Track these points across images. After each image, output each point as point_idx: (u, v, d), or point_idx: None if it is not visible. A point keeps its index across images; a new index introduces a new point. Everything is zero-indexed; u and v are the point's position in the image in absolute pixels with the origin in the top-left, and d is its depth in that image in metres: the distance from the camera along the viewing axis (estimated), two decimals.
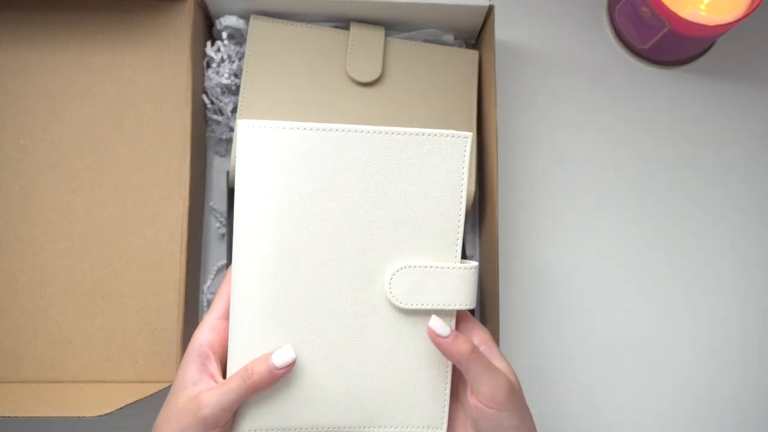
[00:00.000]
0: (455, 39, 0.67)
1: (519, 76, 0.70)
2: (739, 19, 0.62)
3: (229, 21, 0.63)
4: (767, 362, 0.67)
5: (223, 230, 0.64)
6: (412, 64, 0.63)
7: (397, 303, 0.46)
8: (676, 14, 0.61)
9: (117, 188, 0.60)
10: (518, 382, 0.47)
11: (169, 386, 0.57)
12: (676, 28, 0.63)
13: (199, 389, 0.45)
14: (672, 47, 0.68)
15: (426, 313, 0.47)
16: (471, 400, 0.46)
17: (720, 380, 0.67)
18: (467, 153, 0.47)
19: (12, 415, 0.49)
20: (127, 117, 0.61)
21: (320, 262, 0.46)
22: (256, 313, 0.46)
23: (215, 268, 0.64)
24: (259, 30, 0.62)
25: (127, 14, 0.62)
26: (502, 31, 0.69)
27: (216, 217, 0.65)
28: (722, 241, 0.69)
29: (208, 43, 0.64)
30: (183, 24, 0.62)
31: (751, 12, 0.62)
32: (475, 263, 0.48)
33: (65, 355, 0.58)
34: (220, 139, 0.66)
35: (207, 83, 0.63)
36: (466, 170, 0.47)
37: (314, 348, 0.46)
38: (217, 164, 0.66)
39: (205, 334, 0.47)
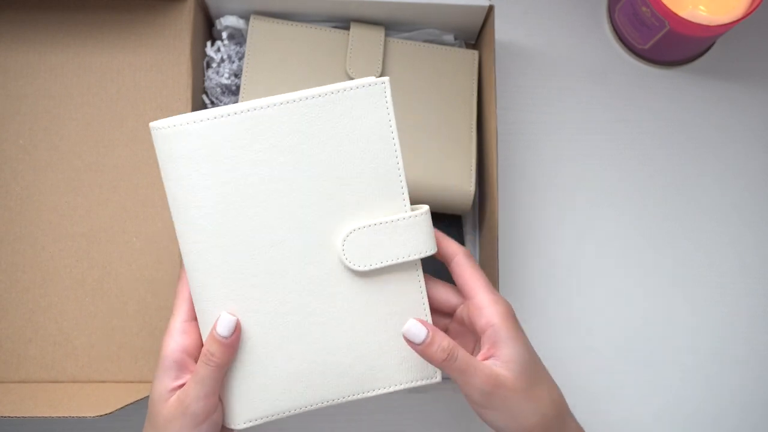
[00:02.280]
0: (455, 39, 0.67)
1: (519, 76, 0.70)
2: (739, 19, 0.62)
3: (229, 21, 0.63)
4: (767, 362, 0.67)
5: None
6: (412, 64, 0.63)
7: (354, 267, 0.45)
8: (676, 14, 0.61)
9: (117, 188, 0.60)
10: (510, 324, 0.45)
11: None
12: (676, 28, 0.63)
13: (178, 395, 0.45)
14: (672, 47, 0.68)
15: (388, 270, 0.46)
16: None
17: (720, 380, 0.67)
18: (388, 98, 0.45)
19: (12, 415, 0.49)
20: (127, 117, 0.61)
21: (271, 245, 0.45)
22: (221, 310, 0.45)
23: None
24: (259, 30, 0.62)
25: (127, 14, 0.62)
26: (502, 31, 0.69)
27: None
28: (722, 241, 0.69)
29: (208, 43, 0.64)
30: (183, 24, 0.62)
31: (751, 12, 0.62)
32: (425, 207, 0.46)
33: (65, 355, 0.58)
34: None
35: (207, 83, 0.63)
36: (392, 116, 0.45)
37: (288, 330, 0.45)
38: None
39: (176, 340, 0.46)
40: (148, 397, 0.53)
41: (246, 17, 0.63)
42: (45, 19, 0.62)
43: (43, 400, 0.54)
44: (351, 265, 0.45)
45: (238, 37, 0.65)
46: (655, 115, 0.70)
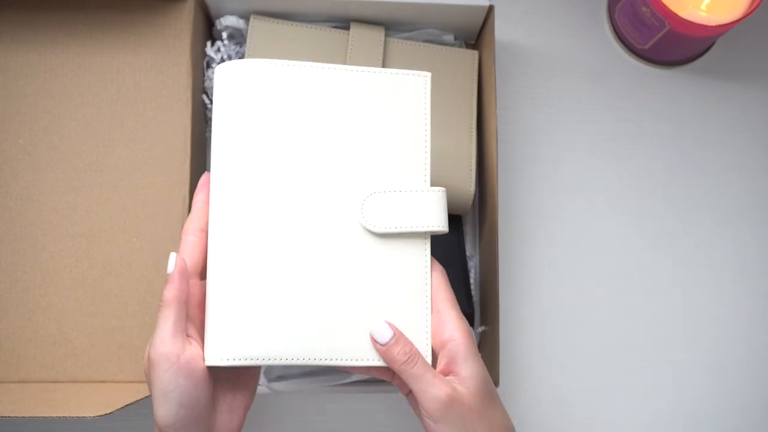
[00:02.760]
0: (455, 39, 0.67)
1: (519, 76, 0.70)
2: (739, 19, 0.62)
3: (229, 21, 0.63)
4: (767, 362, 0.67)
5: None
6: (412, 64, 0.63)
7: (370, 227, 0.47)
8: (675, 14, 0.61)
9: (117, 188, 0.60)
10: (468, 351, 0.46)
11: None
12: (676, 28, 0.63)
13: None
14: (672, 47, 0.68)
15: (400, 237, 0.48)
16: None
17: (720, 380, 0.67)
18: (428, 89, 0.50)
19: (12, 415, 0.49)
20: (127, 117, 0.61)
21: (299, 194, 0.47)
22: (240, 263, 0.46)
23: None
24: (259, 30, 0.62)
25: (127, 14, 0.62)
26: (502, 31, 0.69)
27: None
28: (722, 241, 0.69)
29: (208, 43, 0.64)
30: (183, 24, 0.62)
31: (751, 12, 0.62)
32: (443, 188, 0.49)
33: (65, 355, 0.58)
34: None
35: (207, 83, 0.63)
36: (428, 105, 0.50)
37: (297, 279, 0.46)
38: None
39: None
40: (147, 397, 0.53)
41: (246, 17, 0.63)
42: (45, 19, 0.62)
43: (43, 400, 0.54)
44: (366, 224, 0.47)
45: (238, 37, 0.65)
46: (655, 115, 0.70)
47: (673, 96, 0.71)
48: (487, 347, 0.60)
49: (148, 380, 0.44)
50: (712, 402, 0.66)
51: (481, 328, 0.62)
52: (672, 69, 0.71)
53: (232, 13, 0.63)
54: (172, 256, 0.46)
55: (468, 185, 0.61)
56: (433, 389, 0.44)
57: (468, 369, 0.45)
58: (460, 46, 0.67)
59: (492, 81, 0.61)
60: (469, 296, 0.63)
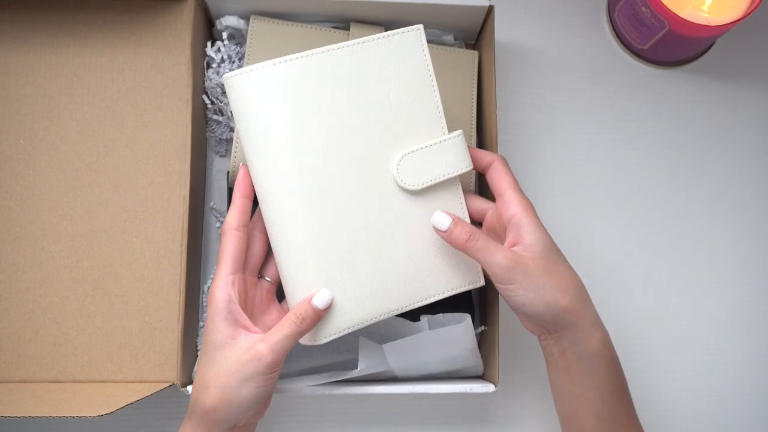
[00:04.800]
0: (455, 39, 0.67)
1: (519, 76, 0.70)
2: (739, 19, 0.62)
3: (229, 21, 0.63)
4: (766, 362, 0.67)
5: None
6: None
7: (408, 187, 0.52)
8: (675, 14, 0.61)
9: (117, 188, 0.60)
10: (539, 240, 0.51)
11: (170, 386, 0.57)
12: (676, 28, 0.63)
13: (248, 342, 0.49)
14: (672, 47, 0.68)
15: (435, 188, 0.53)
16: None
17: (720, 380, 0.67)
18: (423, 42, 0.54)
19: (12, 415, 0.49)
20: (127, 117, 0.61)
21: (340, 174, 0.51)
22: (299, 244, 0.50)
23: (215, 268, 0.64)
24: (259, 30, 0.62)
25: (127, 14, 0.62)
26: (502, 31, 0.69)
27: (216, 217, 0.65)
28: (723, 241, 0.69)
29: (209, 44, 0.64)
30: (183, 24, 0.62)
31: (751, 12, 0.62)
32: (460, 130, 0.54)
33: (65, 355, 0.58)
34: (221, 139, 0.66)
35: (207, 83, 0.63)
36: (428, 57, 0.54)
37: (355, 252, 0.51)
38: (217, 164, 0.66)
39: (226, 290, 0.50)
40: (147, 397, 0.54)
41: (246, 17, 0.63)
42: (45, 19, 0.62)
43: (43, 400, 0.54)
44: (405, 185, 0.52)
45: (238, 38, 0.65)
46: (655, 115, 0.70)
47: (673, 96, 0.71)
48: (487, 347, 0.60)
49: (242, 364, 0.48)
50: (712, 401, 0.66)
51: (481, 328, 0.62)
52: (672, 69, 0.71)
53: (232, 14, 0.64)
54: (327, 294, 0.51)
55: (468, 185, 0.61)
56: (496, 257, 0.49)
57: (530, 236, 0.51)
58: (460, 46, 0.67)
59: (492, 81, 0.61)
60: (469, 296, 0.63)
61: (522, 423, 0.65)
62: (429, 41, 0.65)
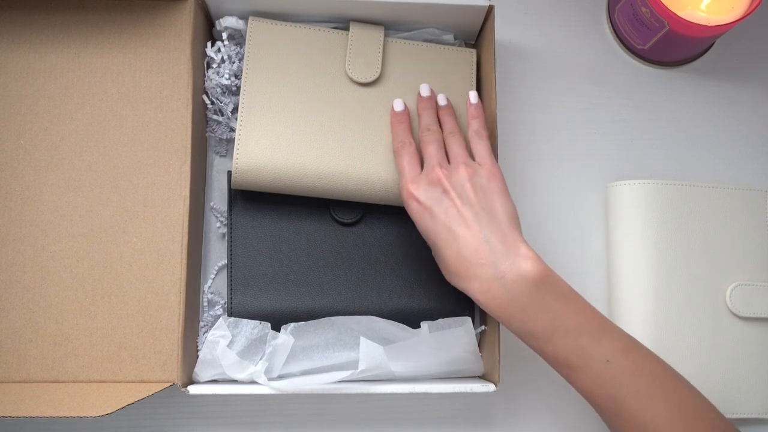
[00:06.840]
0: (455, 39, 0.67)
1: (519, 75, 0.70)
2: (739, 19, 0.62)
3: (229, 22, 0.63)
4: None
5: (224, 230, 0.64)
6: (412, 64, 0.63)
7: (737, 312, 0.63)
8: (675, 14, 0.61)
9: (117, 188, 0.60)
10: None
11: (170, 386, 0.57)
12: (676, 28, 0.63)
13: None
14: (672, 47, 0.68)
15: (758, 320, 0.64)
16: None
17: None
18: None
19: (12, 415, 0.49)
20: (127, 117, 0.61)
21: (684, 285, 0.64)
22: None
23: (215, 268, 0.64)
24: (258, 31, 0.62)
25: (127, 14, 0.62)
26: (502, 31, 0.69)
27: (216, 217, 0.65)
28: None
29: (209, 44, 0.64)
30: (183, 24, 0.62)
31: (750, 12, 0.62)
32: None
33: (65, 355, 0.58)
34: (221, 139, 0.66)
35: (207, 83, 0.63)
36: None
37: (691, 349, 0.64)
38: (217, 164, 0.66)
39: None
40: (147, 397, 0.53)
41: (246, 18, 0.63)
42: (45, 19, 0.62)
43: (44, 400, 0.54)
44: (734, 310, 0.64)
45: (238, 38, 0.65)
46: (655, 115, 0.70)
47: (673, 96, 0.71)
48: (487, 347, 0.60)
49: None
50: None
51: (481, 328, 0.62)
52: (672, 69, 0.71)
53: (231, 14, 0.64)
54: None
55: None
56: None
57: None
58: (459, 46, 0.67)
59: (492, 81, 0.61)
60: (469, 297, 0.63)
61: (522, 423, 0.65)
62: (429, 41, 0.66)
